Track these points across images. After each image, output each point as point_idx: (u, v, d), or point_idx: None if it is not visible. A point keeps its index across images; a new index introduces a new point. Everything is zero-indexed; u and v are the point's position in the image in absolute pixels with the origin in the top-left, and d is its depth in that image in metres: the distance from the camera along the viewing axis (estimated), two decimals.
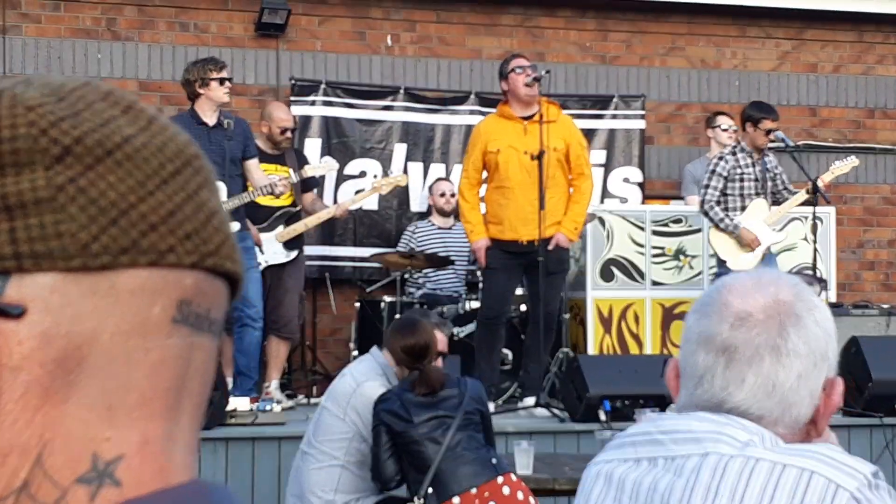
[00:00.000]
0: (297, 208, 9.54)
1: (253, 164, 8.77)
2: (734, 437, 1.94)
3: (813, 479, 1.86)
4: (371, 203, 10.94)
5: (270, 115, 9.55)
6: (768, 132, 9.33)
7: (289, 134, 9.66)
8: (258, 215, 9.13)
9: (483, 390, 6.16)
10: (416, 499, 5.71)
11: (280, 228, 9.34)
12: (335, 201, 10.57)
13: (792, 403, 1.99)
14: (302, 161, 9.82)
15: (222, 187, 8.56)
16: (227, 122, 8.61)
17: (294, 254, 9.42)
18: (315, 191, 9.93)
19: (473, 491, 5.67)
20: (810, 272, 8.96)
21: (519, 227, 8.64)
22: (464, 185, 8.91)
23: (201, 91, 8.59)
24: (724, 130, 10.57)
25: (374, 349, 6.34)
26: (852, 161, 9.96)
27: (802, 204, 9.69)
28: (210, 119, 8.58)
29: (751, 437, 1.94)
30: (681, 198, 10.96)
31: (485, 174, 8.90)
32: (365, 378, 6.13)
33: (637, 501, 1.99)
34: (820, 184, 9.41)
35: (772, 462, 1.89)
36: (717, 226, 9.42)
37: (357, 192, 10.41)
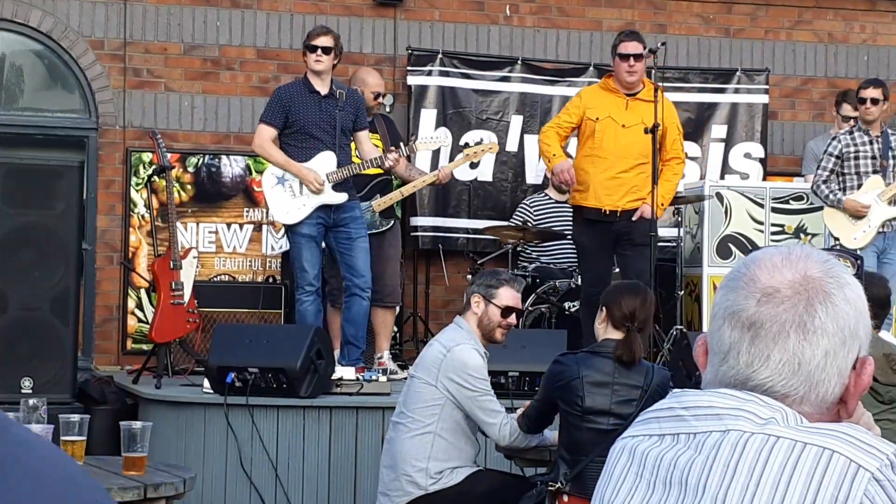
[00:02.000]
0: (391, 177, 9.55)
1: (363, 136, 8.81)
2: (755, 414, 1.89)
3: (833, 459, 1.80)
4: (486, 175, 10.91)
5: (364, 81, 9.55)
6: (863, 101, 9.33)
7: (381, 99, 9.68)
8: (354, 184, 9.16)
9: (668, 383, 5.86)
10: (559, 481, 5.64)
11: (377, 197, 9.36)
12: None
13: (818, 382, 1.93)
14: (391, 126, 9.83)
15: (332, 156, 8.60)
16: (339, 93, 8.65)
17: (391, 222, 9.48)
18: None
19: None
20: (845, 249, 8.79)
21: (603, 197, 8.65)
22: (548, 127, 8.94)
23: (305, 59, 8.69)
24: (846, 121, 10.40)
25: (458, 318, 6.34)
26: None
27: None
28: (322, 88, 8.63)
29: (772, 414, 1.89)
30: (803, 175, 10.77)
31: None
32: (454, 343, 6.13)
33: (658, 477, 1.95)
34: None
35: (792, 440, 1.84)
36: (825, 203, 9.36)
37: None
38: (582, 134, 8.80)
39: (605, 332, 5.78)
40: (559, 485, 5.61)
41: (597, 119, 8.68)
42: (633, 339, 5.69)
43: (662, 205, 8.75)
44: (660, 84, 8.98)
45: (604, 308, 5.81)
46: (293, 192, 8.58)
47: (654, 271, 8.92)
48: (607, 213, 8.65)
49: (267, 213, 10.26)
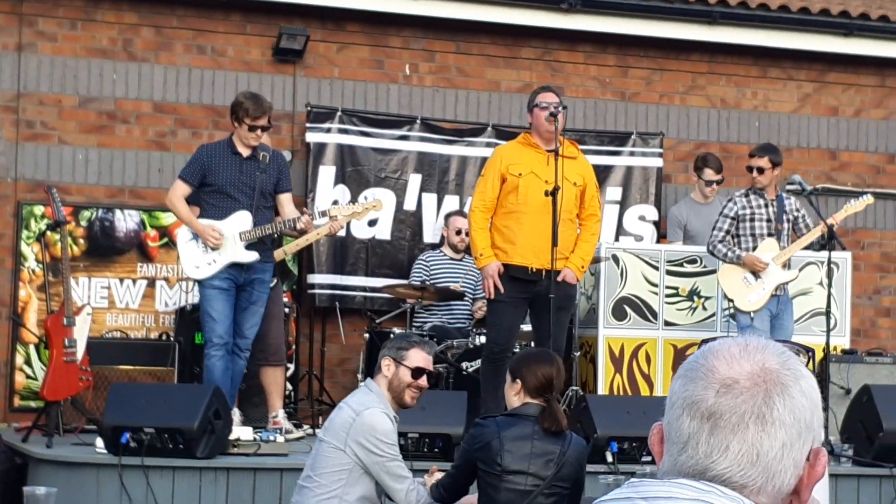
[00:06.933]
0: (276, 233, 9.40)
1: (285, 198, 8.80)
2: None
3: None
4: (384, 233, 10.89)
5: None
6: (751, 170, 9.55)
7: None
8: None
9: (586, 452, 5.91)
10: None
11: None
12: (347, 231, 10.53)
13: (775, 473, 1.93)
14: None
15: (248, 216, 8.54)
16: (262, 155, 8.63)
17: (275, 280, 9.34)
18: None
19: None
20: (796, 344, 8.86)
21: (529, 255, 8.44)
22: (477, 208, 8.58)
23: (235, 125, 8.63)
24: (708, 185, 10.67)
25: (369, 380, 6.31)
26: (867, 199, 9.82)
27: (819, 248, 9.64)
28: (244, 150, 8.61)
29: None
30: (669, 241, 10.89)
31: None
32: (363, 407, 6.08)
33: None
34: (832, 222, 9.35)
35: None
36: (723, 261, 9.46)
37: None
38: (503, 190, 8.55)
39: (522, 400, 5.81)
40: None
41: (520, 175, 8.48)
42: (556, 408, 5.74)
43: (583, 267, 8.70)
44: (574, 139, 8.99)
45: (517, 379, 5.81)
46: (205, 247, 8.53)
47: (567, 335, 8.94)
48: (534, 271, 8.48)
49: (169, 268, 10.15)
